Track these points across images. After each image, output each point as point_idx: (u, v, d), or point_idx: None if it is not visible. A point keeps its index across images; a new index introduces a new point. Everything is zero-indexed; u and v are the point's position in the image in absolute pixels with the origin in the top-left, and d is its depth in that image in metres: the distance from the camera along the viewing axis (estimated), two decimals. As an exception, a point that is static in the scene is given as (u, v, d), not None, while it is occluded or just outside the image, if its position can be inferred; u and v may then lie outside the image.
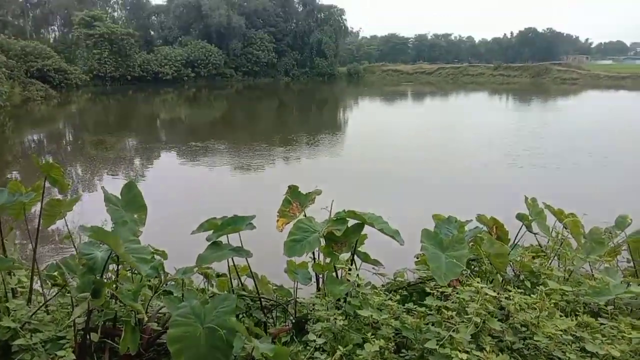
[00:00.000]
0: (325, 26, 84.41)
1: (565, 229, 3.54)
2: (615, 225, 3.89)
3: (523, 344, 2.37)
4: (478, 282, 2.50)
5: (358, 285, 2.64)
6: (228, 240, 3.28)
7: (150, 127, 32.79)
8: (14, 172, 18.12)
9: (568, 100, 52.81)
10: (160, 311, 3.13)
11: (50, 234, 9.58)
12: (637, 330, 2.36)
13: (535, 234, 3.67)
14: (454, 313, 2.38)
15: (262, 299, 3.29)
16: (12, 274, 3.42)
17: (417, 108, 47.44)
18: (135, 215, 3.06)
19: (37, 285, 3.44)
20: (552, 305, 2.49)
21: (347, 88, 74.11)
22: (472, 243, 3.32)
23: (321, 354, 2.38)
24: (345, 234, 3.05)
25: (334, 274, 3.04)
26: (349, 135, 28.38)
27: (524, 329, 2.40)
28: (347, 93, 66.06)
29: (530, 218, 3.52)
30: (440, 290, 2.64)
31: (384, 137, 25.36)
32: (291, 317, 3.16)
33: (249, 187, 15.52)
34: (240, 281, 3.51)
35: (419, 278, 3.33)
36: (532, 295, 2.53)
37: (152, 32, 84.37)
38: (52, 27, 78.66)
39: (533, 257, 3.25)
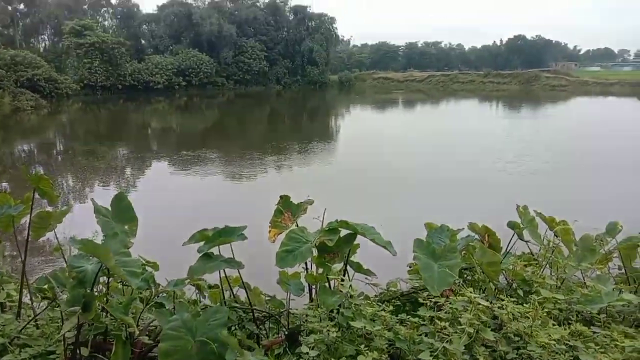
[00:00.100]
0: (316, 34, 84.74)
1: (557, 236, 3.55)
2: (606, 232, 3.90)
3: (517, 354, 2.36)
4: (471, 292, 2.50)
5: (351, 296, 2.62)
6: (219, 251, 3.26)
7: (141, 137, 32.68)
8: (3, 183, 17.96)
9: (558, 106, 53.28)
10: (151, 324, 3.10)
11: (41, 245, 9.49)
12: (630, 339, 2.37)
13: (526, 241, 3.68)
14: (447, 323, 2.37)
15: (254, 311, 3.26)
16: (1, 287, 3.38)
17: (408, 116, 47.67)
18: (126, 227, 3.04)
19: (27, 299, 3.40)
20: (545, 314, 2.49)
21: (338, 96, 74.34)
22: (464, 252, 3.31)
23: (314, 366, 2.36)
24: (337, 244, 3.04)
25: (326, 284, 3.03)
26: (340, 144, 28.44)
27: (517, 338, 2.40)
28: (339, 101, 66.26)
29: (521, 226, 3.53)
30: (434, 300, 2.63)
31: (375, 145, 25.43)
32: (284, 329, 3.14)
33: (241, 196, 15.48)
34: (232, 292, 3.48)
35: (412, 288, 3.32)
36: (525, 305, 2.53)
37: (142, 41, 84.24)
38: (42, 37, 78.54)
39: (525, 266, 3.25)
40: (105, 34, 65.58)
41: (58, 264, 7.34)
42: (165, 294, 3.43)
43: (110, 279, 3.10)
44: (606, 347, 2.36)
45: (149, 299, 3.32)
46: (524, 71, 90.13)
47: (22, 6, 73.54)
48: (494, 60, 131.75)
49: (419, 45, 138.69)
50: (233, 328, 3.10)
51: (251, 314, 3.23)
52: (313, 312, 2.76)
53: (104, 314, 2.85)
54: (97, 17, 78.38)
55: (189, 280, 3.30)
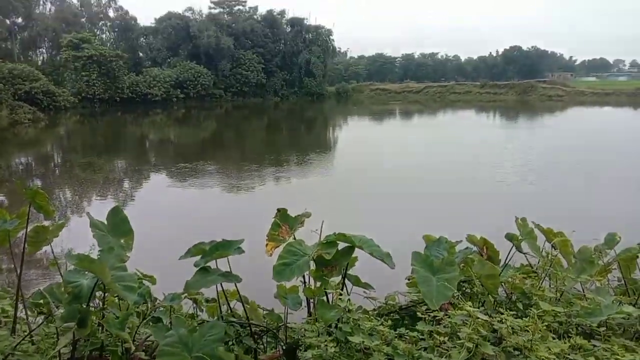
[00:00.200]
0: (313, 47, 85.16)
1: (555, 248, 3.53)
2: (604, 243, 3.89)
3: (517, 368, 2.34)
4: (470, 306, 2.48)
5: (349, 311, 2.60)
6: (217, 265, 3.24)
7: (139, 149, 32.68)
8: (0, 196, 17.90)
9: (555, 117, 53.52)
10: (148, 339, 3.07)
11: (39, 259, 9.45)
12: (630, 352, 2.35)
13: (525, 253, 3.66)
14: (446, 338, 2.35)
15: (251, 325, 3.24)
16: (-4, 302, 3.35)
17: (405, 127, 47.82)
18: (122, 241, 3.02)
19: (22, 314, 3.36)
20: (545, 327, 2.47)
21: (336, 107, 74.61)
22: (463, 264, 3.30)
23: (312, 382, 2.33)
24: (335, 257, 3.02)
25: (324, 298, 3.01)
26: (339, 155, 28.47)
27: (517, 352, 2.38)
28: (337, 112, 66.48)
29: (519, 238, 3.51)
30: (432, 314, 2.61)
31: (373, 156, 25.47)
32: (282, 343, 3.11)
33: (239, 208, 15.45)
34: (230, 307, 3.46)
35: (410, 301, 3.30)
36: (524, 318, 2.51)
37: (140, 54, 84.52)
38: (40, 50, 78.60)
39: (524, 278, 3.23)
40: (103, 47, 65.81)
41: (55, 277, 7.30)
42: (162, 308, 3.40)
43: (107, 294, 3.08)
44: (607, 360, 2.34)
45: (146, 314, 3.30)
46: (520, 82, 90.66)
47: (20, 20, 73.76)
48: (490, 71, 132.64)
49: (416, 56, 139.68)
50: (230, 343, 3.08)
51: (248, 328, 3.20)
52: (311, 326, 2.74)
53: (100, 329, 2.82)
54: (95, 30, 78.64)
55: (185, 295, 3.28)
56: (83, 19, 79.13)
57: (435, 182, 18.29)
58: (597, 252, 3.67)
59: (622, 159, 22.82)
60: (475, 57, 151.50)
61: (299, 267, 2.90)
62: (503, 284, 3.20)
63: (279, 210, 3.43)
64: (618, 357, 2.31)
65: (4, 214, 3.23)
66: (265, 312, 3.63)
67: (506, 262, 3.53)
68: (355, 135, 39.81)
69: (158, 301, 3.47)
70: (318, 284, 3.08)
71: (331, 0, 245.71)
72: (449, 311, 2.58)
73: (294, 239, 3.27)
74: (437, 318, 2.60)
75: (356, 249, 3.14)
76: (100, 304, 3.14)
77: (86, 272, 2.68)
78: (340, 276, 3.15)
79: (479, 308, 2.81)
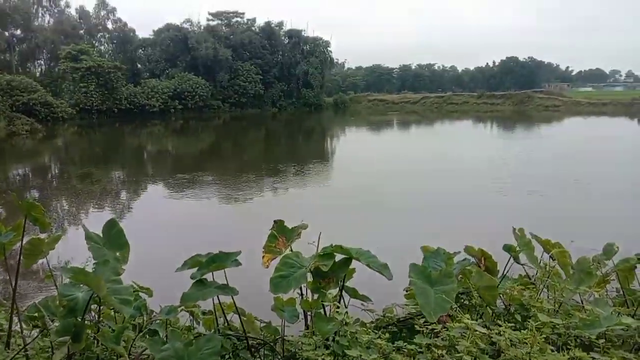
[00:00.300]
0: (311, 58, 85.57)
1: (553, 259, 3.52)
2: (602, 253, 3.88)
3: (515, 381, 2.32)
4: (468, 318, 2.46)
5: (346, 324, 2.58)
6: (213, 277, 3.22)
7: (136, 160, 32.68)
8: (-3, 207, 17.86)
9: (552, 127, 53.73)
10: (144, 353, 3.04)
11: (35, 271, 9.39)
12: (629, 365, 2.33)
13: (523, 265, 3.65)
14: (444, 351, 2.33)
15: (248, 338, 3.21)
16: (-10, 316, 3.32)
17: (403, 137, 47.94)
18: (118, 253, 3.00)
19: (17, 327, 3.33)
20: (543, 339, 2.45)
21: (334, 118, 74.82)
22: (460, 276, 3.28)
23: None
24: (332, 269, 3.01)
25: (321, 311, 2.99)
26: (336, 165, 28.49)
27: (515, 365, 2.36)
28: (334, 123, 66.64)
29: (517, 249, 3.50)
30: (430, 327, 2.59)
31: (370, 166, 25.49)
32: (279, 357, 3.09)
33: (236, 219, 15.42)
34: (226, 319, 3.43)
35: (408, 313, 3.28)
36: (522, 330, 2.49)
37: (139, 65, 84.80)
38: (39, 61, 78.85)
39: (522, 289, 3.22)
40: (102, 59, 66.05)
41: (52, 289, 7.26)
42: (158, 321, 3.38)
43: (102, 307, 3.05)
44: (606, 373, 2.32)
45: (142, 327, 3.27)
46: (517, 92, 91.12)
47: (18, 32, 74.07)
48: (487, 82, 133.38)
49: (413, 67, 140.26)
50: (227, 356, 3.05)
51: (245, 341, 3.18)
52: (308, 339, 2.72)
53: (96, 342, 2.80)
54: (94, 42, 78.94)
55: (182, 307, 3.26)
56: (81, 31, 79.44)
57: (432, 193, 18.29)
58: (595, 263, 3.66)
59: (619, 170, 22.89)
60: (472, 67, 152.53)
61: (295, 279, 2.88)
62: (501, 295, 3.19)
63: (275, 222, 3.42)
64: (617, 369, 2.30)
65: (-1, 226, 3.21)
66: (262, 324, 3.61)
67: (504, 273, 3.52)
68: (352, 146, 39.88)
69: (154, 314, 3.45)
70: (315, 296, 3.06)
71: (329, 12, 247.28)
72: (447, 324, 2.57)
73: (291, 250, 3.25)
74: (435, 331, 2.58)
75: (354, 260, 3.13)
76: (96, 317, 3.12)
77: (82, 285, 2.66)
78: (338, 288, 3.13)
79: (477, 320, 2.79)
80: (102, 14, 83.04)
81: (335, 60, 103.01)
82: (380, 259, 3.19)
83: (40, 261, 3.60)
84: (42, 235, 3.67)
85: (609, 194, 17.56)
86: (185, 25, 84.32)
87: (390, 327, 3.21)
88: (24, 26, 72.86)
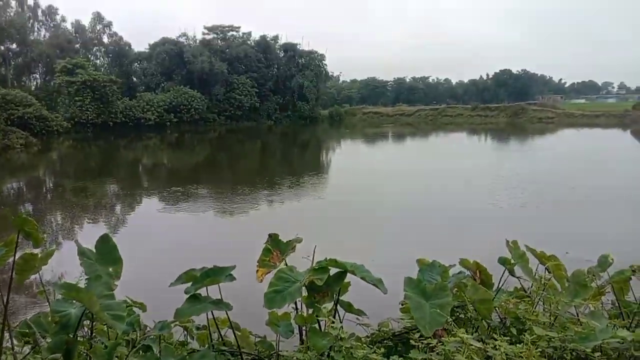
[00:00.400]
0: (306, 71, 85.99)
1: (548, 272, 3.52)
2: (597, 265, 3.88)
3: (511, 396, 2.31)
4: (463, 332, 2.45)
5: (341, 339, 2.57)
6: (207, 292, 3.20)
7: (131, 173, 32.61)
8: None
9: (546, 138, 54.04)
10: (136, 369, 3.01)
11: (28, 285, 9.30)
12: (625, 378, 2.32)
13: (518, 277, 3.65)
14: (440, 366, 2.32)
15: (243, 354, 3.19)
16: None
17: (398, 149, 48.08)
18: (111, 269, 2.98)
19: (9, 343, 3.29)
20: (539, 353, 2.44)
21: (329, 130, 75.04)
22: (456, 289, 3.28)
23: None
24: (327, 283, 2.99)
25: (316, 325, 2.97)
26: (331, 178, 28.50)
27: (511, 379, 2.35)
28: (330, 135, 66.82)
29: (512, 262, 3.50)
30: (426, 341, 2.57)
31: (365, 178, 25.53)
32: (273, 372, 3.06)
33: (232, 233, 15.36)
34: (220, 334, 3.40)
35: (403, 328, 3.26)
36: (518, 344, 2.48)
37: (134, 79, 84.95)
38: (34, 75, 78.86)
39: (518, 302, 3.21)
40: (97, 72, 66.13)
41: (45, 305, 7.19)
42: (152, 337, 3.35)
43: (95, 322, 3.02)
44: (602, 387, 2.31)
45: (135, 342, 3.24)
46: (510, 104, 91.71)
47: (14, 46, 74.17)
48: (481, 94, 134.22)
49: (407, 80, 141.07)
50: (221, 372, 3.02)
51: (240, 357, 3.15)
52: (303, 355, 2.70)
53: (88, 359, 2.76)
54: (89, 56, 79.08)
55: (176, 323, 3.23)
56: (77, 45, 79.60)
57: (427, 205, 18.31)
58: (590, 275, 3.66)
59: (614, 182, 23.00)
60: (466, 80, 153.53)
61: (290, 294, 2.86)
62: (497, 308, 3.18)
63: (270, 235, 3.41)
64: (614, 383, 2.29)
65: (-10, 241, 3.18)
66: (257, 339, 3.58)
67: (499, 286, 3.51)
68: (348, 159, 39.95)
69: (148, 329, 3.41)
70: (310, 310, 3.05)
71: (324, 26, 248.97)
72: (443, 338, 2.55)
73: (286, 264, 3.24)
74: (431, 345, 2.57)
75: (349, 274, 3.12)
76: (89, 333, 3.09)
77: (74, 301, 2.64)
78: (333, 302, 3.12)
79: (472, 334, 2.78)
80: (97, 28, 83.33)
81: (330, 74, 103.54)
82: (375, 273, 3.18)
83: (34, 275, 3.57)
84: (35, 251, 3.64)
85: (603, 206, 17.62)
86: (181, 39, 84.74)
87: (385, 341, 3.19)
88: (20, 40, 72.95)
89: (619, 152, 37.32)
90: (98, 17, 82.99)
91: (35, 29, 79.35)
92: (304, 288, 2.98)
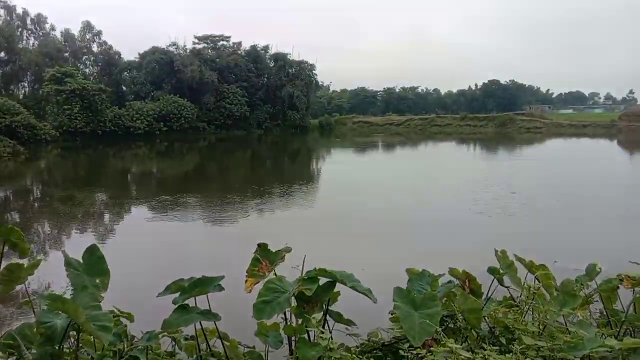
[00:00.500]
0: (296, 81, 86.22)
1: (537, 281, 3.54)
2: (585, 274, 3.91)
3: (501, 406, 2.30)
4: (452, 342, 2.45)
5: (331, 349, 2.55)
6: (195, 302, 3.17)
7: (120, 182, 32.39)
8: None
9: (534, 148, 54.52)
10: (123, 381, 2.97)
11: (13, 295, 9.17)
12: (613, 387, 2.33)
13: (507, 287, 3.66)
14: (429, 376, 2.32)
15: (231, 364, 3.16)
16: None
17: (388, 159, 48.26)
18: (98, 280, 2.94)
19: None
20: (528, 362, 2.45)
21: (319, 139, 75.17)
22: (445, 299, 3.28)
23: None
24: (316, 293, 2.98)
25: (305, 336, 2.95)
26: (321, 187, 28.51)
27: (501, 389, 2.34)
28: (320, 144, 66.92)
29: (501, 271, 3.51)
30: (415, 351, 2.57)
31: (356, 188, 25.56)
32: (262, 383, 3.03)
33: (221, 242, 15.28)
34: (209, 345, 3.37)
35: (393, 337, 3.25)
36: (507, 354, 2.49)
37: (124, 88, 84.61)
38: (22, 84, 78.20)
39: (507, 312, 3.22)
40: (86, 81, 65.76)
41: (31, 315, 7.08)
42: (139, 347, 3.31)
43: (81, 333, 2.98)
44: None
45: (122, 353, 3.20)
46: (499, 114, 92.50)
47: (2, 54, 73.66)
48: (470, 104, 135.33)
49: (397, 90, 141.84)
50: (209, 383, 2.99)
51: (228, 368, 3.12)
52: (292, 366, 2.68)
53: (74, 371, 2.73)
54: (79, 65, 78.67)
55: (164, 333, 3.20)
56: (66, 54, 79.19)
57: (417, 214, 18.37)
58: (578, 284, 3.68)
59: (601, 191, 23.24)
60: (455, 90, 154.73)
61: (279, 304, 2.85)
62: (486, 318, 3.18)
63: (259, 245, 3.39)
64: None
65: (-25, 252, 3.14)
66: (245, 350, 3.55)
67: (488, 295, 3.52)
68: (338, 168, 39.98)
69: (136, 339, 3.38)
70: (299, 320, 3.03)
71: (314, 37, 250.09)
72: (432, 347, 2.55)
73: (275, 274, 3.22)
74: (420, 355, 2.56)
75: (338, 283, 3.11)
76: (75, 344, 3.05)
77: (60, 312, 2.60)
78: (322, 312, 3.10)
79: (462, 343, 2.78)
80: (87, 37, 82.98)
81: (320, 83, 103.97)
82: (365, 282, 3.18)
83: (21, 285, 3.52)
84: (21, 261, 3.59)
85: (591, 214, 17.77)
86: (171, 49, 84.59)
87: (375, 351, 3.18)
88: (8, 48, 72.43)
89: (606, 162, 37.73)
90: (88, 26, 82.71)
91: (24, 37, 78.88)
92: (293, 298, 2.97)
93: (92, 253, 3.03)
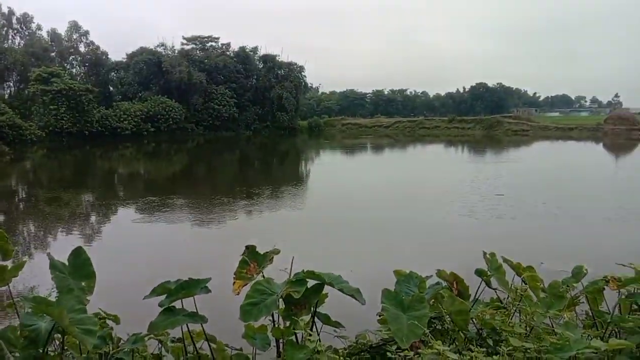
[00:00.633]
0: (285, 82, 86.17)
1: (524, 283, 3.56)
2: (572, 276, 3.94)
3: (488, 407, 2.31)
4: (440, 344, 2.45)
5: (318, 352, 2.54)
6: (182, 304, 3.14)
7: (107, 183, 32.11)
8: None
9: (521, 150, 54.96)
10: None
11: (-1, 297, 9.04)
12: (599, 388, 2.34)
13: (494, 289, 3.68)
14: (417, 378, 2.31)
15: (218, 367, 3.14)
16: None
17: (376, 160, 48.38)
18: (83, 283, 2.91)
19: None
20: (515, 364, 2.46)
21: (308, 141, 75.12)
22: (433, 300, 3.28)
23: None
24: (304, 295, 2.97)
25: (293, 338, 2.94)
26: (310, 188, 28.48)
27: (488, 391, 2.35)
28: (309, 146, 66.88)
29: (489, 273, 3.53)
30: (403, 354, 2.57)
31: (344, 189, 25.60)
32: (249, 386, 3.01)
33: (208, 244, 15.19)
34: (195, 347, 3.35)
35: (381, 339, 3.25)
36: (494, 356, 2.49)
37: (111, 88, 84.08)
38: (8, 83, 77.31)
39: (494, 313, 3.23)
40: (73, 81, 65.22)
41: (15, 318, 6.98)
42: (126, 349, 3.28)
43: (66, 336, 2.94)
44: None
45: (108, 355, 3.17)
46: (486, 117, 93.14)
47: (-13, 53, 72.85)
48: (458, 107, 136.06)
49: (386, 92, 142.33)
50: (196, 387, 2.97)
51: (215, 371, 3.10)
52: (279, 368, 2.66)
53: (58, 375, 2.69)
54: (65, 65, 77.96)
55: (150, 336, 3.17)
56: (53, 53, 78.49)
57: (404, 216, 18.40)
58: (564, 286, 3.70)
59: (587, 193, 23.49)
60: (443, 93, 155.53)
61: (266, 306, 2.84)
62: (473, 319, 3.19)
63: (247, 247, 3.38)
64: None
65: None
66: (233, 352, 3.53)
67: (476, 297, 3.53)
68: (327, 169, 40.00)
69: (122, 342, 3.34)
70: (287, 323, 3.02)
71: (303, 38, 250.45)
72: (420, 349, 2.55)
73: (263, 276, 3.21)
74: (408, 357, 2.56)
75: (326, 285, 3.11)
76: (60, 347, 3.00)
77: (45, 315, 2.57)
78: (310, 314, 3.09)
79: (449, 345, 2.78)
80: (74, 37, 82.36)
81: (309, 85, 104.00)
82: (352, 284, 3.17)
83: (4, 287, 3.46)
84: (5, 263, 3.54)
85: (577, 217, 17.94)
86: (159, 49, 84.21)
87: (363, 353, 3.18)
88: (-6, 48, 71.70)
89: (592, 165, 38.16)
90: (75, 26, 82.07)
91: (10, 36, 78.11)
92: (281, 300, 2.96)
93: (78, 255, 2.99)
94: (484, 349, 2.58)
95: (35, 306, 2.41)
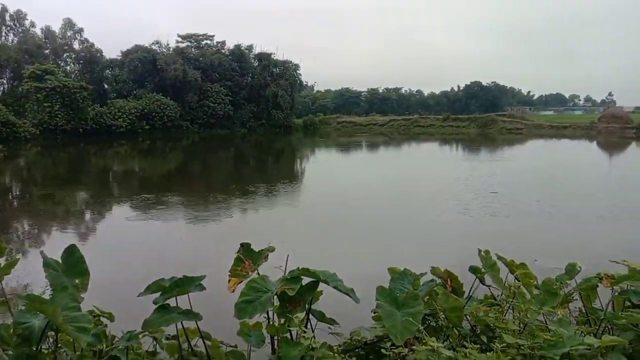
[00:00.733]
0: (280, 80, 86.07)
1: (518, 280, 3.57)
2: (565, 273, 3.96)
3: (482, 403, 2.32)
4: (434, 340, 2.46)
5: (313, 349, 2.55)
6: (177, 302, 3.14)
7: (101, 180, 31.99)
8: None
9: (515, 149, 55.14)
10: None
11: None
12: (592, 385, 2.36)
13: (488, 286, 3.69)
14: (411, 375, 2.32)
15: (213, 364, 3.13)
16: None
17: (371, 158, 48.42)
18: (77, 281, 2.90)
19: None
20: (509, 360, 2.47)
21: (303, 139, 75.09)
22: (427, 297, 3.29)
23: None
24: (299, 292, 2.98)
25: (288, 335, 2.94)
26: (305, 186, 28.48)
27: (482, 387, 2.36)
28: (304, 144, 66.86)
29: (483, 270, 3.54)
30: (397, 350, 2.57)
31: (339, 187, 25.61)
32: (244, 383, 3.01)
33: (203, 242, 15.17)
34: (190, 344, 3.35)
35: (375, 336, 3.26)
36: (488, 353, 2.50)
37: (106, 86, 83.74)
38: (1, 80, 76.88)
39: (488, 310, 3.25)
40: (67, 79, 64.88)
41: (8, 316, 6.94)
42: (120, 347, 3.27)
43: (60, 334, 2.94)
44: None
45: (103, 353, 3.16)
46: (481, 115, 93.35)
47: (-19, 50, 72.34)
48: (452, 106, 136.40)
49: (380, 90, 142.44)
50: (190, 384, 2.96)
51: (210, 368, 3.10)
52: (274, 365, 2.67)
53: (52, 372, 2.68)
54: (59, 62, 77.57)
55: (145, 333, 3.16)
56: (47, 51, 78.05)
57: (399, 213, 18.43)
58: (558, 283, 3.72)
59: (581, 191, 23.60)
60: (437, 91, 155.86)
61: (261, 303, 2.84)
62: (467, 316, 3.20)
63: (242, 244, 3.38)
64: (581, 389, 2.32)
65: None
66: (227, 349, 3.53)
67: (470, 294, 3.55)
68: (322, 167, 39.99)
69: (116, 339, 3.34)
70: (282, 320, 3.02)
71: (298, 37, 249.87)
72: (414, 346, 2.56)
73: (258, 274, 3.21)
74: (402, 354, 2.57)
75: (321, 283, 3.11)
76: (53, 344, 3.00)
77: (38, 312, 2.56)
78: (305, 312, 3.10)
79: (443, 342, 2.79)
80: (68, 34, 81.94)
81: (304, 83, 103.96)
82: (347, 281, 3.18)
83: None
84: (-2, 260, 3.53)
85: (571, 214, 18.01)
86: (154, 47, 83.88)
87: (357, 350, 3.18)
88: (-13, 44, 71.22)
89: (586, 163, 38.33)
90: (69, 23, 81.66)
91: (3, 33, 77.65)
92: (275, 298, 2.96)
93: (71, 253, 2.98)
94: (478, 346, 2.59)
95: (29, 304, 2.40)
